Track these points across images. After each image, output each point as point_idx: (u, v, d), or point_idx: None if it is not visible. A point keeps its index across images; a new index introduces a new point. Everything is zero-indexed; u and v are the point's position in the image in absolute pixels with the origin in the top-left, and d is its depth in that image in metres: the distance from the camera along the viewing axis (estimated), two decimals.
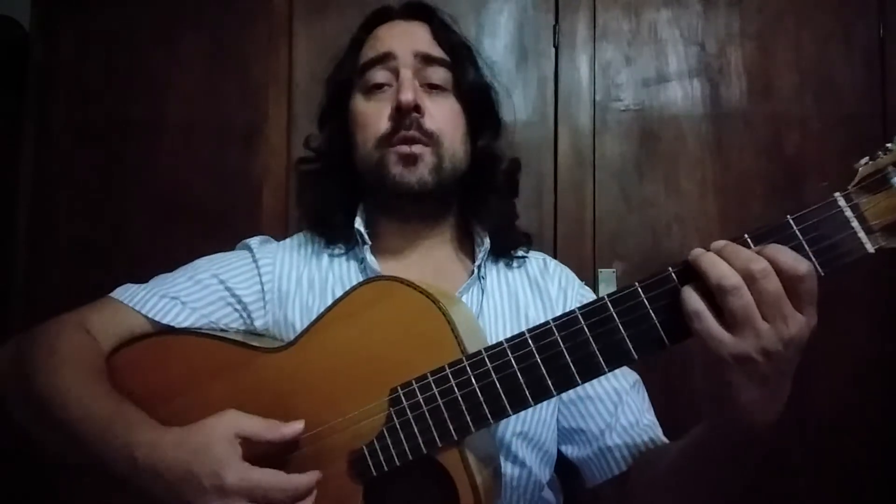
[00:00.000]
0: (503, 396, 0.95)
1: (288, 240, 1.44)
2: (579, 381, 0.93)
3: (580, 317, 0.93)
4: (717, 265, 0.83)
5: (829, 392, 1.78)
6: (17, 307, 1.97)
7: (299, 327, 1.24)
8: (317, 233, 1.40)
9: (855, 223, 0.84)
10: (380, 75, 1.31)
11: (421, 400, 0.99)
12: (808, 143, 1.87)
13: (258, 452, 1.00)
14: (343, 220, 1.36)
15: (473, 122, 1.36)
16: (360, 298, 1.09)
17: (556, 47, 1.95)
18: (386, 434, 1.01)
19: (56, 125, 2.01)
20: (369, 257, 1.31)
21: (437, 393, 0.98)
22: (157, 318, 1.22)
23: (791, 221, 0.85)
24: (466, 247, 1.41)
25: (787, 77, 1.89)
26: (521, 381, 0.95)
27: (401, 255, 1.36)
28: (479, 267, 1.34)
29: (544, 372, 0.94)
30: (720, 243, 0.86)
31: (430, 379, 0.99)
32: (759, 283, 0.81)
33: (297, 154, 1.54)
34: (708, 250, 0.86)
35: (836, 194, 0.85)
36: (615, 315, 0.91)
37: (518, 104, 1.89)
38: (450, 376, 0.98)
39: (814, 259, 0.84)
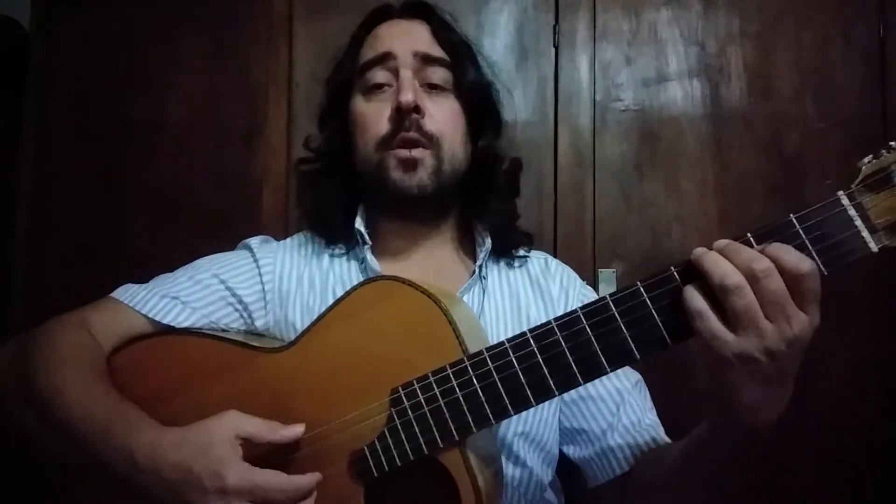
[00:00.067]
0: (505, 396, 0.95)
1: (288, 240, 1.43)
2: (581, 381, 0.92)
3: (582, 316, 0.92)
4: (720, 264, 0.83)
5: (829, 392, 1.78)
6: (17, 307, 1.97)
7: (300, 327, 1.24)
8: (317, 233, 1.40)
9: (858, 222, 0.83)
10: (379, 75, 1.31)
11: (422, 400, 0.99)
12: (808, 143, 1.87)
13: (259, 453, 0.99)
14: (343, 220, 1.35)
15: (474, 121, 1.36)
16: (361, 298, 1.08)
17: (556, 47, 1.95)
18: (387, 434, 1.01)
19: (56, 125, 2.00)
20: (370, 257, 1.31)
21: (438, 393, 0.98)
22: (157, 318, 1.22)
23: (794, 220, 0.85)
24: (467, 247, 1.41)
25: (787, 77, 1.89)
26: (523, 380, 0.94)
27: (401, 256, 1.36)
28: (480, 267, 1.34)
29: (546, 372, 0.93)
30: (722, 242, 0.86)
31: (432, 379, 0.99)
32: (762, 283, 0.80)
33: (297, 154, 1.54)
34: (710, 249, 0.86)
35: (840, 193, 0.84)
36: (617, 315, 0.91)
37: (518, 104, 1.89)
38: (451, 376, 0.98)
39: (817, 258, 0.83)
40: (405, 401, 1.00)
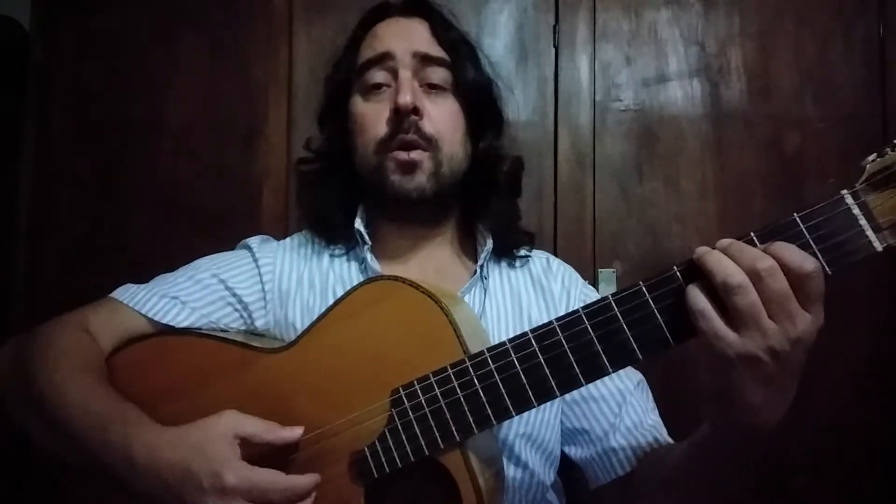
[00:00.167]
0: (506, 397, 0.95)
1: (288, 239, 1.43)
2: (583, 382, 0.92)
3: (584, 316, 0.92)
4: (723, 263, 0.83)
5: (829, 392, 1.78)
6: (17, 307, 1.96)
7: (300, 327, 1.24)
8: (317, 233, 1.40)
9: (863, 221, 0.83)
10: (378, 76, 1.30)
11: (423, 401, 0.99)
12: (808, 143, 1.87)
13: (258, 453, 0.99)
14: (343, 220, 1.35)
15: (474, 121, 1.35)
16: (362, 298, 1.08)
17: (556, 47, 1.94)
18: (388, 435, 1.01)
19: (56, 125, 2.00)
20: (369, 258, 1.31)
21: (439, 394, 0.98)
22: (157, 318, 1.22)
23: (798, 219, 0.84)
24: (468, 247, 1.41)
25: (787, 77, 1.89)
26: (524, 381, 0.94)
27: (401, 256, 1.35)
28: (481, 267, 1.33)
29: (547, 372, 0.93)
30: (725, 241, 0.85)
31: (433, 379, 0.99)
32: (766, 282, 0.80)
33: (297, 154, 1.54)
34: (713, 248, 0.86)
35: (844, 192, 0.84)
36: (619, 315, 0.90)
37: (518, 104, 1.88)
38: (452, 377, 0.98)
39: (821, 257, 0.83)
40: (406, 401, 1.00)
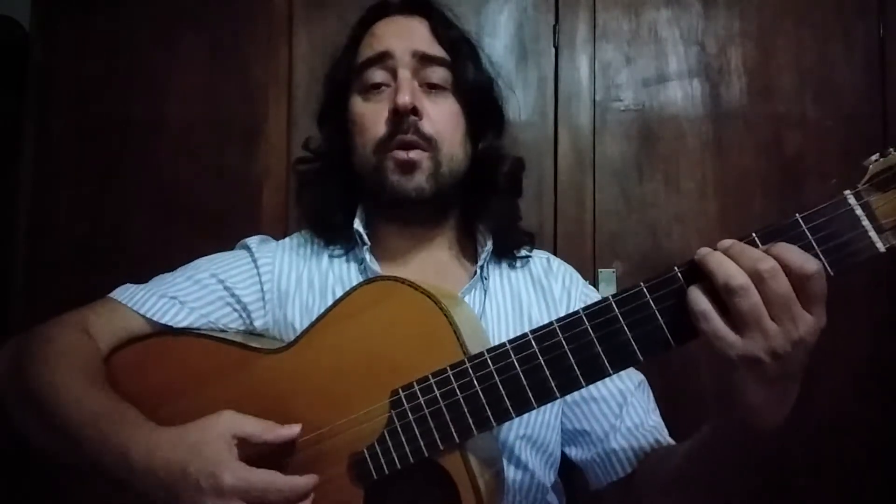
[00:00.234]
0: (506, 399, 0.95)
1: (287, 239, 1.43)
2: (583, 384, 0.92)
3: (584, 318, 0.92)
4: (724, 264, 0.82)
5: (829, 392, 1.78)
6: (17, 307, 1.97)
7: (299, 327, 1.24)
8: (316, 233, 1.39)
9: (865, 222, 0.82)
10: (377, 75, 1.29)
11: (422, 402, 0.98)
12: (808, 143, 1.87)
13: (256, 454, 0.99)
14: (342, 220, 1.35)
15: (474, 121, 1.34)
16: (361, 299, 1.08)
17: (556, 47, 1.95)
18: (387, 436, 1.00)
19: (56, 125, 2.00)
20: (368, 258, 1.30)
21: (438, 395, 0.98)
22: (155, 319, 1.22)
23: (800, 220, 0.84)
24: (468, 247, 1.40)
25: (787, 77, 1.90)
26: (524, 382, 0.94)
27: (401, 257, 1.35)
28: (481, 268, 1.33)
29: (548, 374, 0.93)
30: (727, 242, 0.85)
31: (432, 381, 0.98)
32: (767, 283, 0.79)
33: (297, 154, 1.53)
34: (715, 249, 0.85)
35: (847, 192, 0.83)
36: (620, 316, 0.90)
37: (518, 104, 1.88)
38: (451, 378, 0.97)
39: (823, 258, 0.83)
40: (405, 403, 1.00)
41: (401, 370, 1.01)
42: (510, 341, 0.96)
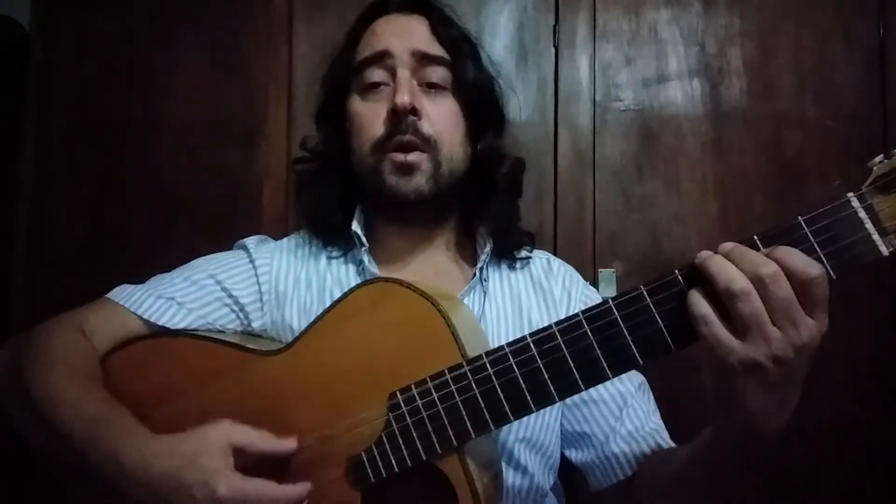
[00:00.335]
0: (504, 402, 0.94)
1: (285, 240, 1.42)
2: (583, 387, 0.92)
3: (584, 321, 0.91)
4: (726, 269, 0.82)
5: (829, 392, 1.78)
6: (17, 307, 1.96)
7: (297, 329, 1.24)
8: (314, 234, 1.39)
9: (868, 224, 0.82)
10: (376, 74, 1.29)
11: (420, 405, 0.98)
12: (808, 143, 1.87)
13: (252, 461, 0.99)
14: (341, 221, 1.34)
15: (474, 121, 1.34)
16: (359, 300, 1.08)
17: (556, 47, 1.94)
18: (384, 440, 1.00)
19: (56, 125, 2.00)
20: (367, 260, 1.30)
21: (436, 398, 0.98)
22: (152, 320, 1.22)
23: (802, 222, 0.84)
24: (468, 248, 1.40)
25: (787, 77, 1.89)
26: (523, 386, 0.94)
27: (400, 258, 1.35)
28: (480, 269, 1.32)
29: (546, 377, 0.93)
30: (728, 245, 0.84)
31: (430, 384, 0.98)
32: (769, 288, 0.79)
33: (297, 154, 1.53)
34: (716, 252, 0.85)
35: (850, 194, 0.83)
36: (619, 319, 0.90)
37: (518, 104, 1.88)
38: (450, 381, 0.97)
39: (825, 262, 0.82)
40: (403, 406, 1.00)
41: (399, 373, 1.01)
42: (509, 344, 0.95)
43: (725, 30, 1.91)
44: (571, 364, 0.92)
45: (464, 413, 0.96)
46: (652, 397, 1.33)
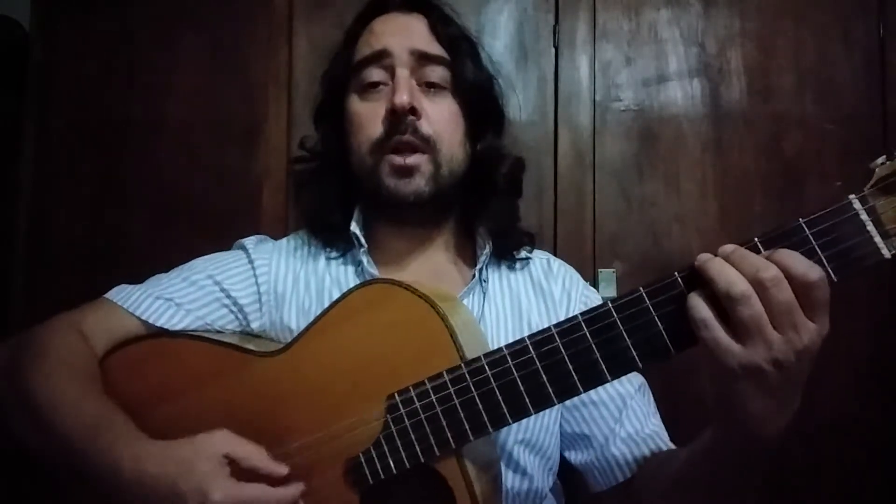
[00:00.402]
0: (503, 405, 0.94)
1: (284, 240, 1.41)
2: (581, 390, 0.91)
3: (583, 323, 0.91)
4: (726, 272, 0.81)
5: (830, 392, 1.78)
6: (17, 307, 1.96)
7: (296, 329, 1.24)
8: (313, 234, 1.38)
9: (870, 227, 0.81)
10: (375, 73, 1.27)
11: (418, 407, 0.98)
12: (808, 143, 1.87)
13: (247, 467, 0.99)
14: (340, 221, 1.33)
15: (474, 120, 1.33)
16: (357, 302, 1.07)
17: (556, 47, 1.94)
18: (383, 442, 1.00)
19: (56, 125, 2.00)
20: (366, 260, 1.29)
21: (434, 400, 0.97)
22: (151, 321, 1.21)
23: (803, 225, 0.83)
24: (467, 249, 1.39)
25: (787, 77, 1.89)
26: (522, 389, 0.93)
27: (399, 259, 1.34)
28: (480, 270, 1.31)
29: (545, 380, 0.92)
30: (728, 248, 0.84)
31: (428, 386, 0.98)
32: (770, 292, 0.78)
33: (296, 154, 1.53)
34: (716, 255, 0.84)
35: (851, 196, 0.82)
36: (619, 321, 0.89)
37: (518, 104, 1.88)
38: (448, 383, 0.97)
39: (827, 264, 0.81)
40: (401, 408, 0.99)
41: (397, 374, 1.00)
42: (507, 346, 0.95)
43: (725, 30, 1.91)
44: (570, 366, 0.91)
45: (462, 415, 0.96)
46: (652, 399, 1.32)
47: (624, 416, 1.26)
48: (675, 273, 0.87)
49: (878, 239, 0.81)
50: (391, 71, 1.26)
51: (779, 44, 1.90)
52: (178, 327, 1.22)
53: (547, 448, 1.26)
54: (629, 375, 1.27)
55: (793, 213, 0.84)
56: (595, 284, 1.85)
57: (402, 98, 1.21)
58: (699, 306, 0.83)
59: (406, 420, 0.99)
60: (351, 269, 1.33)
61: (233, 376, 1.11)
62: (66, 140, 1.99)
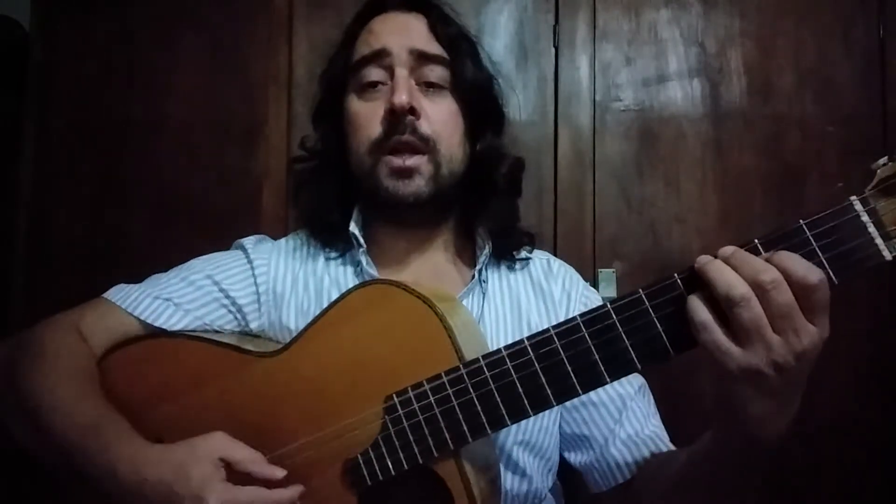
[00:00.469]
0: (501, 406, 0.94)
1: (283, 240, 1.41)
2: (580, 392, 0.90)
3: (581, 324, 0.90)
4: (725, 274, 0.80)
5: (829, 392, 1.78)
6: (17, 307, 1.97)
7: (294, 330, 1.23)
8: (312, 234, 1.37)
9: (871, 229, 0.80)
10: (373, 73, 1.26)
11: (417, 408, 0.98)
12: (808, 143, 1.87)
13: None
14: (339, 221, 1.33)
15: (474, 120, 1.31)
16: (356, 302, 1.07)
17: (556, 47, 1.94)
18: (381, 442, 1.00)
19: (56, 125, 2.00)
20: (365, 261, 1.28)
21: (433, 401, 0.97)
22: (149, 321, 1.21)
23: (804, 226, 0.82)
24: (467, 249, 1.38)
25: (787, 77, 1.89)
26: (520, 390, 0.93)
27: (398, 259, 1.33)
28: (479, 271, 1.31)
29: (544, 381, 0.92)
30: (728, 250, 0.83)
31: (427, 387, 0.98)
32: (770, 295, 0.77)
33: (296, 154, 1.53)
34: (716, 257, 0.83)
35: (853, 198, 0.81)
36: (618, 323, 0.88)
37: (518, 104, 1.88)
38: (447, 384, 0.96)
39: (827, 266, 0.81)
40: (400, 408, 0.99)
41: (395, 375, 1.00)
42: (506, 348, 0.94)
43: (725, 30, 1.91)
44: (569, 368, 0.91)
45: (460, 416, 0.95)
46: (652, 399, 1.31)
47: (624, 418, 1.25)
48: (675, 275, 0.87)
49: (879, 241, 0.81)
50: (390, 70, 1.25)
51: (779, 44, 1.90)
52: (177, 327, 1.22)
53: (546, 449, 1.26)
54: (629, 376, 1.26)
55: (793, 213, 0.84)
56: (595, 284, 1.85)
57: (401, 98, 1.20)
58: (699, 309, 0.82)
59: (404, 421, 0.98)
60: (350, 269, 1.32)
61: (231, 376, 1.11)
62: (66, 140, 2.00)
